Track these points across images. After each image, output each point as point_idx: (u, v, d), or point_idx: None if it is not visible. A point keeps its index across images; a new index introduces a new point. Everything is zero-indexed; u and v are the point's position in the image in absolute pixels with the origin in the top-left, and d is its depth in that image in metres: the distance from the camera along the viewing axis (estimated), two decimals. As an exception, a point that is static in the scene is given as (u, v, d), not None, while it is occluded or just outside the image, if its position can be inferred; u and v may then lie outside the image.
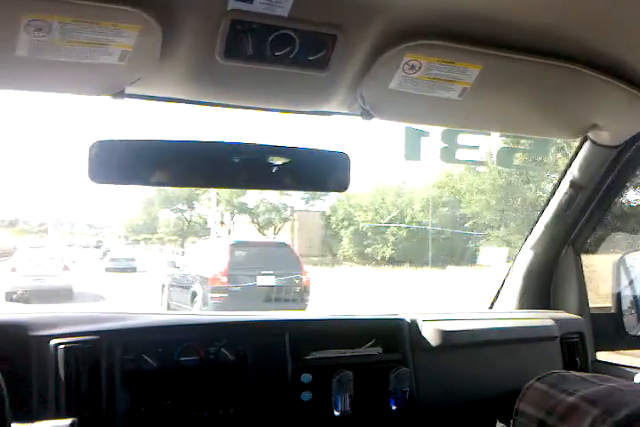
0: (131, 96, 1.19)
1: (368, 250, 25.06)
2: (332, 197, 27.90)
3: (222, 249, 10.87)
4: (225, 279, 10.09)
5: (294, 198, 30.60)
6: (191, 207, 38.49)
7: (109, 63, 1.00)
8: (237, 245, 11.18)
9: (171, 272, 11.73)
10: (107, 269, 25.69)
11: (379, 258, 24.69)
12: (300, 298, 10.42)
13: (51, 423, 1.13)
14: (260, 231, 30.55)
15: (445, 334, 1.76)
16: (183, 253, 37.58)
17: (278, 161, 1.29)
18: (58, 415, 1.29)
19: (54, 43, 0.92)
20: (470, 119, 1.53)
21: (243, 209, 32.41)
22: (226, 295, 9.91)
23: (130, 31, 0.93)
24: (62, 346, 1.37)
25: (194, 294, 10.41)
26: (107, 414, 1.39)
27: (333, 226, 27.53)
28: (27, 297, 14.46)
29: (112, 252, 30.97)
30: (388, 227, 24.12)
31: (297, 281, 10.57)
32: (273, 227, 31.35)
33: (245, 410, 1.54)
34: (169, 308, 11.10)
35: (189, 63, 1.08)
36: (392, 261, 24.17)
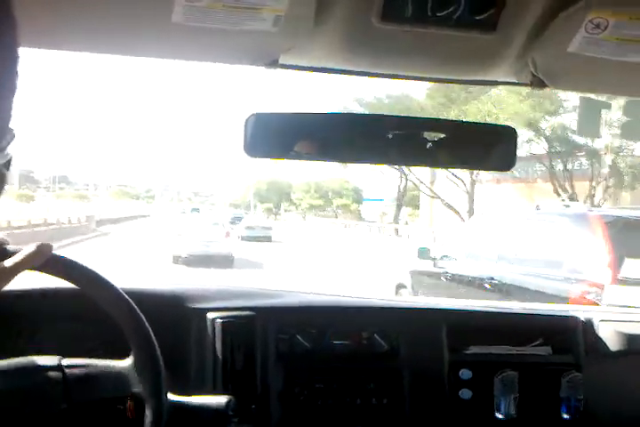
0: (284, 66, 1.14)
1: None
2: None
3: (588, 230, 4.84)
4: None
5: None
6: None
7: (263, 30, 0.96)
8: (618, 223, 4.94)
9: (423, 266, 6.60)
10: (242, 238, 24.72)
11: None
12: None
13: (207, 399, 1.12)
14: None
15: (628, 338, 1.55)
16: (397, 231, 34.56)
17: (435, 136, 1.19)
18: (214, 391, 1.31)
19: (209, 8, 0.89)
20: None
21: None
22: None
23: None
24: (220, 320, 1.38)
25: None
26: (261, 394, 1.39)
27: None
28: (192, 261, 15.29)
29: (247, 220, 30.50)
30: None
31: None
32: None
33: (399, 402, 1.46)
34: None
35: (344, 27, 1.01)
36: None
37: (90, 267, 0.96)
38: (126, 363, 0.97)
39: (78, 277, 0.96)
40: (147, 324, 0.97)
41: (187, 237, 16.11)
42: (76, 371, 0.95)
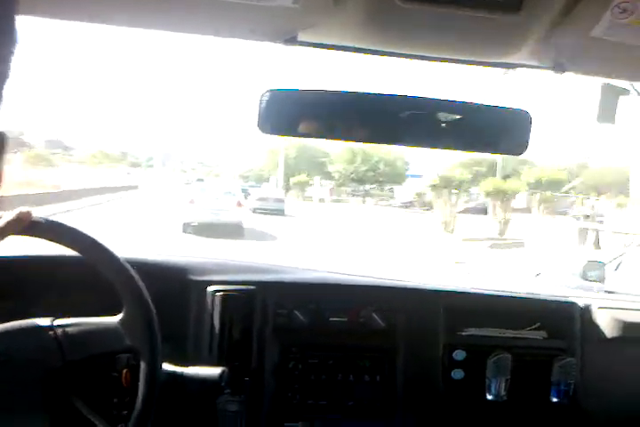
0: (302, 43, 1.12)
1: None
2: None
3: None
4: None
5: None
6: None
7: (283, 6, 0.94)
8: None
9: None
10: (254, 210, 23.95)
11: None
12: None
13: (201, 370, 1.15)
14: None
15: (626, 326, 1.56)
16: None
17: (449, 117, 1.17)
18: (209, 362, 1.33)
19: None
20: None
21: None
22: None
23: None
24: (220, 293, 1.40)
25: None
26: (256, 367, 1.41)
27: None
28: (202, 229, 15.00)
29: (259, 191, 29.25)
30: None
31: None
32: None
33: (392, 380, 1.49)
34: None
35: (366, 6, 0.99)
36: None
37: (71, 225, 0.99)
38: (118, 318, 0.99)
39: (62, 235, 0.98)
40: (137, 277, 0.99)
41: (198, 205, 15.91)
42: (68, 329, 0.98)
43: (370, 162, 41.93)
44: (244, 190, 23.32)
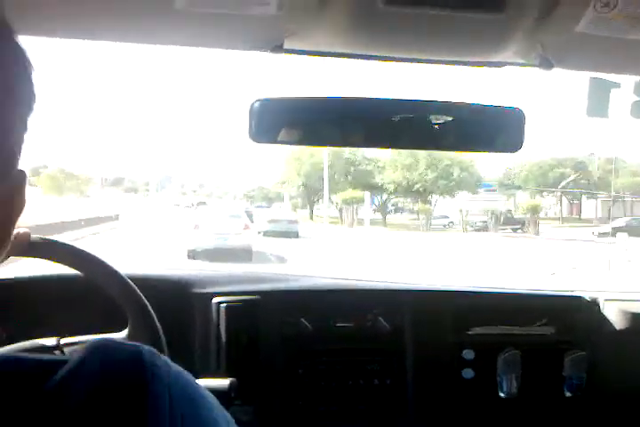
0: (289, 51, 1.14)
1: None
2: None
3: None
4: None
5: None
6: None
7: (267, 14, 0.96)
8: None
9: None
10: (265, 234, 22.39)
11: None
12: None
13: (210, 381, 1.15)
14: None
15: (634, 317, 1.55)
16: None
17: (442, 118, 1.18)
18: (217, 373, 1.33)
19: None
20: None
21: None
22: None
23: None
24: (224, 304, 1.40)
25: None
26: (264, 376, 1.41)
27: None
28: (208, 255, 14.43)
29: (271, 212, 27.37)
30: None
31: None
32: None
33: (402, 382, 1.48)
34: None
35: (349, 11, 1.01)
36: None
37: (71, 244, 0.99)
38: (123, 334, 1.00)
39: (61, 254, 0.99)
40: (139, 293, 0.99)
41: (203, 230, 15.32)
42: (74, 348, 0.98)
43: (439, 167, 31.11)
44: (246, 212, 21.99)
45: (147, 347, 0.46)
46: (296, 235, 23.31)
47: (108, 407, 0.40)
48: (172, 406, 0.42)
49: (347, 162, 33.82)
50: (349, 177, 33.19)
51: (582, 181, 31.83)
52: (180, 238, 16.33)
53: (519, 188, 33.27)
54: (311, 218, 36.82)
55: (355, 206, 31.39)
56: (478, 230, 29.08)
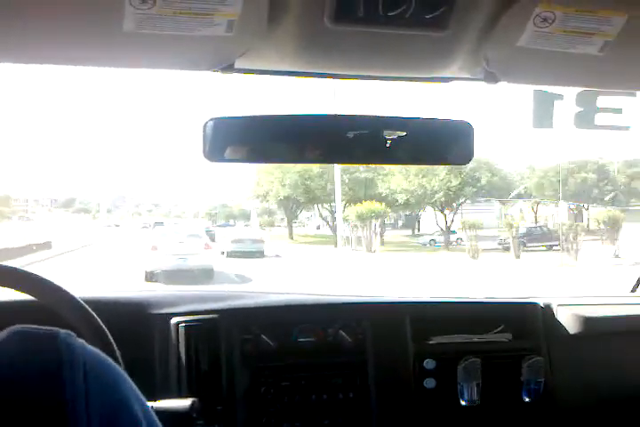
0: (239, 70, 1.15)
1: None
2: None
3: None
4: None
5: None
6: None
7: (217, 35, 0.97)
8: None
9: None
10: (228, 254, 20.88)
11: None
12: None
13: (171, 402, 1.13)
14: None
15: (585, 321, 1.60)
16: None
17: (395, 133, 1.21)
18: (179, 395, 1.31)
19: (161, 14, 0.90)
20: (612, 77, 1.34)
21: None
22: None
23: None
24: (183, 324, 1.39)
25: None
26: (227, 395, 1.39)
27: None
28: (167, 277, 13.88)
29: (233, 232, 25.53)
30: None
31: None
32: None
33: (365, 395, 1.48)
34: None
35: (298, 30, 1.03)
36: None
37: (24, 269, 0.97)
38: None
39: (14, 280, 0.97)
40: (95, 316, 0.98)
41: (161, 251, 14.71)
42: None
43: (462, 172, 24.81)
44: (207, 232, 20.39)
45: (64, 330, 0.50)
46: (261, 255, 21.99)
47: (26, 382, 0.43)
48: (88, 381, 0.47)
49: (341, 170, 24.97)
50: (346, 187, 26.52)
51: (607, 188, 25.81)
52: (137, 261, 15.67)
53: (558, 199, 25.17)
54: (291, 237, 30.64)
55: (374, 223, 23.62)
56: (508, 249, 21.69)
